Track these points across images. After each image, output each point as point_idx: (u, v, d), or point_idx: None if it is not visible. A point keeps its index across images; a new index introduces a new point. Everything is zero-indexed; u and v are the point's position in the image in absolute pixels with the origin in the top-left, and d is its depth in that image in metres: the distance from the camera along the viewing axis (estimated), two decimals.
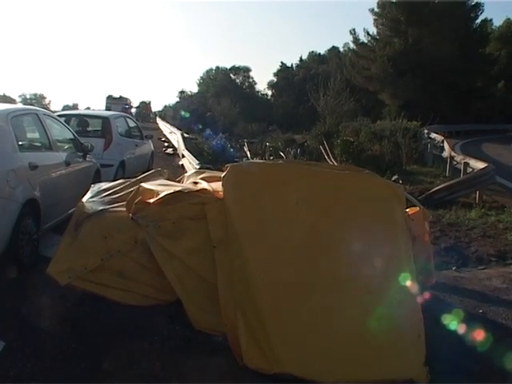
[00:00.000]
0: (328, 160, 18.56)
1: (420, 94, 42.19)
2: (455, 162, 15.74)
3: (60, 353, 4.23)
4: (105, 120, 12.60)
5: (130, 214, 4.96)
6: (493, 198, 12.70)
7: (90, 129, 12.72)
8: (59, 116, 11.92)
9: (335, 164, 17.41)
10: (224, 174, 4.70)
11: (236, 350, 4.14)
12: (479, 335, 4.90)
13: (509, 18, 56.96)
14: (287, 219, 4.43)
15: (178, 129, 30.53)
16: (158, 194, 4.85)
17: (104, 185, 6.51)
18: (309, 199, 4.49)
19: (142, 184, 5.34)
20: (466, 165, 14.18)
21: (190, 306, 4.68)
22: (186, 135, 23.27)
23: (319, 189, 4.51)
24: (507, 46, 53.40)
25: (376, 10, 47.81)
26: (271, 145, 22.67)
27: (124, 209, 5.16)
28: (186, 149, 16.67)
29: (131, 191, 5.34)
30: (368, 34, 48.95)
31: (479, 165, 13.19)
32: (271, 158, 20.23)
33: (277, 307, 4.13)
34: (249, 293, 4.23)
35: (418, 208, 5.70)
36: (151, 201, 4.84)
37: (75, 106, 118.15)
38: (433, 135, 21.89)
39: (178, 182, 6.45)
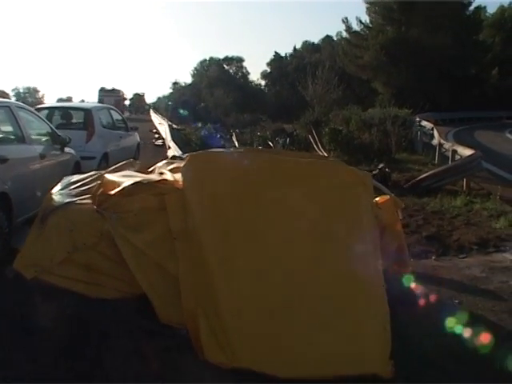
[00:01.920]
0: (316, 149, 18.42)
1: (413, 82, 41.98)
2: (444, 150, 15.59)
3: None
4: (87, 112, 12.38)
5: (95, 207, 4.82)
6: (480, 185, 12.57)
7: (74, 121, 12.55)
8: (41, 109, 11.88)
9: (323, 153, 17.29)
10: (184, 163, 4.55)
11: (197, 345, 3.99)
12: (454, 328, 4.78)
13: (502, 5, 56.70)
14: (247, 209, 4.28)
15: (169, 120, 30.37)
16: (120, 186, 4.69)
17: (75, 177, 6.35)
18: (270, 188, 4.34)
19: (106, 175, 5.20)
20: (454, 152, 14.04)
21: (155, 300, 4.53)
22: (174, 126, 23.07)
23: (281, 177, 4.36)
24: (501, 33, 53.11)
25: None
26: (259, 135, 22.46)
27: (90, 201, 5.02)
28: (173, 140, 16.45)
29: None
30: (360, 22, 48.65)
31: (467, 152, 13.06)
32: (259, 147, 20.08)
33: (235, 301, 3.98)
34: (208, 286, 4.09)
35: (388, 196, 5.55)
36: (112, 192, 4.69)
37: (69, 99, 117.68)
38: (423, 123, 21.69)
39: (149, 172, 6.29)
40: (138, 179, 4.85)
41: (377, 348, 3.86)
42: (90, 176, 6.18)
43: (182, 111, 47.79)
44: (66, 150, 10.58)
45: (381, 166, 13.05)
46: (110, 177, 5.09)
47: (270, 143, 19.96)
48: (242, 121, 40.88)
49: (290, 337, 3.84)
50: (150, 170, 6.59)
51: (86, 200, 5.17)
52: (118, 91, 57.54)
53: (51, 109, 13.04)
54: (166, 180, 4.85)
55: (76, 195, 5.46)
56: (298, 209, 4.29)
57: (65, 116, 12.20)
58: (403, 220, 8.73)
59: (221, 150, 4.64)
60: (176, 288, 4.32)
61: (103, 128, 12.39)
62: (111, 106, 15.54)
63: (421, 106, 22.58)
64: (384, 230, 5.16)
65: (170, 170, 5.60)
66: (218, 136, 23.87)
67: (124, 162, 7.06)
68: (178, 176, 4.85)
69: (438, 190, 11.48)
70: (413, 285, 5.92)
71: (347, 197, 4.41)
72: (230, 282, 4.07)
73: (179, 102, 46.33)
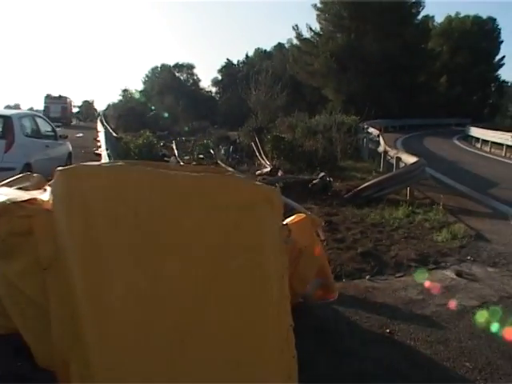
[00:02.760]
0: (259, 157, 17.70)
1: (364, 89, 41.97)
2: (389, 157, 15.04)
3: None
4: (6, 119, 11.32)
5: None
6: (425, 194, 12.05)
7: None
8: None
9: (265, 161, 16.57)
10: (53, 179, 3.71)
11: None
12: (380, 367, 4.09)
13: (450, 15, 57.63)
14: (123, 232, 3.47)
15: (113, 129, 29.24)
16: None
17: None
18: (151, 208, 3.52)
19: None
20: (398, 159, 13.49)
21: (30, 339, 3.71)
22: (114, 134, 22.07)
23: (165, 196, 3.55)
24: (449, 42, 54.00)
25: (319, 5, 47.43)
26: (199, 143, 21.61)
27: None
28: (106, 148, 15.50)
29: None
30: (311, 29, 48.58)
31: (411, 159, 12.49)
32: (200, 156, 19.29)
33: (107, 351, 3.21)
34: (76, 324, 3.33)
35: (303, 215, 4.82)
36: None
37: (17, 106, 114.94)
38: (370, 129, 21.24)
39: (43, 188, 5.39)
40: (2, 198, 3.97)
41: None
42: None
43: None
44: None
45: (321, 174, 12.40)
46: None
47: (211, 151, 19.15)
48: (190, 128, 39.97)
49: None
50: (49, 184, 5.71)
51: None
52: (65, 98, 55.84)
53: None
54: (35, 199, 3.99)
55: None
56: (185, 235, 3.49)
57: None
58: (339, 234, 8.14)
59: (97, 163, 3.72)
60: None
61: (25, 137, 11.41)
62: (37, 113, 14.57)
63: (366, 113, 22.04)
64: (299, 255, 4.43)
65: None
66: (161, 144, 22.98)
67: (19, 176, 6.17)
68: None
69: (381, 199, 10.86)
70: (340, 311, 5.26)
71: (247, 218, 3.62)
72: (100, 325, 3.29)
73: (125, 110, 44.89)
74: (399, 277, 6.41)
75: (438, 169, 16.71)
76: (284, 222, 4.27)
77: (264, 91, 25.56)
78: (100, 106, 77.08)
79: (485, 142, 26.76)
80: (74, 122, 59.04)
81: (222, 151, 19.07)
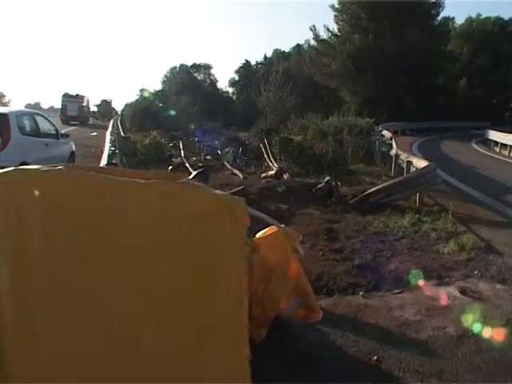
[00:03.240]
0: (267, 159, 17.15)
1: (381, 91, 41.17)
2: (400, 161, 14.39)
3: None
4: (2, 117, 11.03)
5: None
6: (435, 201, 11.40)
7: None
8: None
9: (273, 163, 16.01)
10: None
11: None
12: None
13: (470, 16, 56.53)
14: (57, 245, 3.00)
15: (126, 129, 28.90)
16: None
17: None
18: (89, 218, 3.03)
19: None
20: (409, 163, 12.84)
21: None
22: (122, 134, 21.71)
23: (106, 205, 3.05)
24: (469, 44, 52.91)
25: (336, 6, 46.71)
26: (207, 143, 21.14)
27: None
28: (110, 148, 15.11)
29: None
30: (328, 30, 47.76)
31: (422, 164, 11.84)
32: (207, 157, 18.80)
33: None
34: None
35: (276, 229, 4.29)
36: None
37: (37, 105, 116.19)
38: (384, 132, 20.57)
39: None
40: None
41: None
42: None
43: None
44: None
45: (327, 178, 11.83)
46: None
47: (218, 152, 18.65)
48: (196, 128, 39.50)
49: None
50: None
51: None
52: (82, 97, 55.91)
53: None
54: None
55: None
56: (128, 246, 3.01)
57: None
58: (338, 243, 7.57)
59: (36, 166, 3.22)
60: None
61: (23, 135, 11.13)
62: (37, 111, 14.22)
63: (379, 115, 21.38)
64: (270, 273, 3.91)
65: None
66: (171, 144, 22.57)
67: None
68: None
69: (388, 206, 10.24)
70: (326, 333, 4.72)
71: (202, 231, 3.12)
72: (25, 343, 2.95)
73: (139, 109, 44.65)
74: (397, 293, 5.84)
75: (453, 173, 16.06)
76: (252, 237, 3.75)
77: (274, 92, 24.98)
78: (118, 106, 77.02)
79: (504, 146, 25.89)
80: (92, 120, 59.06)
81: (230, 152, 18.53)
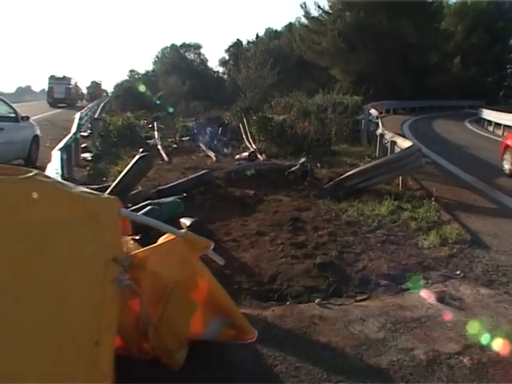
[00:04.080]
0: (245, 140, 16.09)
1: (373, 70, 39.92)
2: (385, 141, 13.35)
3: None
4: None
5: None
6: (421, 184, 10.40)
7: None
8: None
9: (252, 145, 14.96)
10: None
11: None
12: None
13: None
14: None
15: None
16: None
17: None
18: None
19: None
20: (393, 144, 11.79)
21: None
22: (96, 115, 20.65)
23: None
24: (463, 22, 51.43)
25: None
26: (183, 124, 19.99)
27: None
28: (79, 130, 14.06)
29: None
30: (319, 7, 46.34)
31: (407, 144, 10.79)
32: (182, 138, 17.72)
33: None
34: None
35: (172, 237, 3.28)
36: None
37: (28, 88, 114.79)
38: (371, 111, 19.45)
39: None
40: None
41: None
42: None
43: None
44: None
45: (302, 160, 10.80)
46: None
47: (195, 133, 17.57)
48: (191, 109, 38.31)
49: None
50: None
51: None
52: (69, 78, 54.90)
53: None
54: None
55: None
56: None
57: None
58: (302, 236, 6.57)
59: None
60: None
61: None
62: None
63: (371, 93, 20.31)
64: (166, 295, 2.91)
65: None
66: (150, 126, 21.48)
67: None
68: None
69: (366, 191, 9.24)
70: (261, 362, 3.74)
71: (50, 247, 2.12)
72: None
73: (122, 90, 43.38)
74: (360, 300, 4.84)
75: (443, 154, 15.07)
76: (135, 249, 2.76)
77: (253, 69, 23.72)
78: (109, 87, 75.73)
79: (498, 125, 24.82)
80: (80, 102, 57.90)
81: (208, 132, 17.44)
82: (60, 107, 44.81)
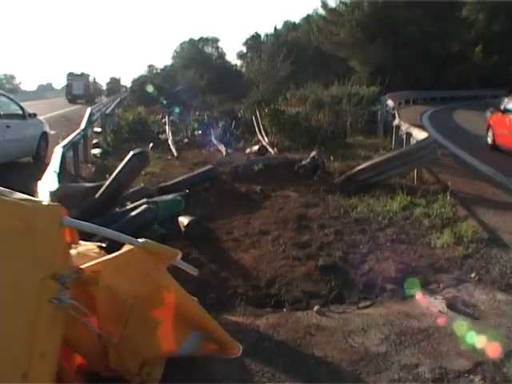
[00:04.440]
0: (258, 133, 15.67)
1: (392, 60, 39.22)
2: (401, 133, 12.83)
3: None
4: None
5: None
6: (437, 178, 9.91)
7: None
8: None
9: (264, 138, 14.55)
10: None
11: None
12: None
13: None
14: None
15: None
16: None
17: None
18: None
19: None
20: (409, 135, 11.29)
21: None
22: (108, 111, 20.41)
23: None
24: (484, 9, 50.21)
25: None
26: (194, 118, 19.60)
27: None
28: (86, 127, 13.75)
29: None
30: None
31: (423, 136, 10.28)
32: (195, 132, 17.35)
33: None
34: None
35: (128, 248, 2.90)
36: None
37: (49, 85, 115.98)
38: (388, 102, 18.89)
39: None
40: None
41: None
42: None
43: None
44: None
45: (313, 153, 10.37)
46: None
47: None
48: (208, 103, 37.90)
49: None
50: None
51: None
52: (87, 75, 55.61)
53: None
54: None
55: None
56: None
57: None
58: (307, 235, 6.18)
59: None
60: None
61: None
62: None
63: (378, 83, 19.76)
64: (125, 312, 2.54)
65: None
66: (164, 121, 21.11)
67: None
68: None
69: (379, 185, 8.79)
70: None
71: None
72: None
73: (138, 84, 43.25)
74: (364, 307, 4.43)
75: (462, 145, 14.53)
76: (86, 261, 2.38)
77: (266, 60, 23.16)
78: (128, 83, 76.20)
79: None
80: (99, 98, 58.04)
81: (220, 126, 17.03)
82: (79, 103, 44.94)
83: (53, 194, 6.40)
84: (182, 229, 6.33)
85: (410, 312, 4.25)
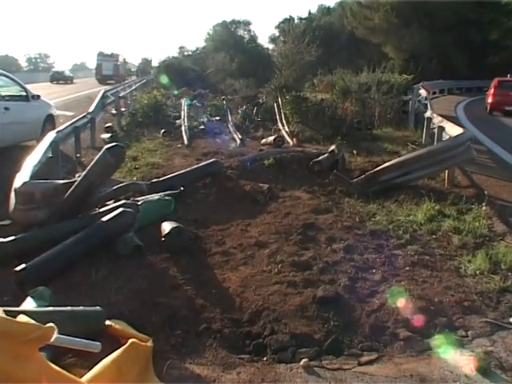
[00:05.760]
0: (279, 122, 14.61)
1: (428, 47, 37.64)
2: (433, 126, 11.61)
3: None
4: None
5: None
6: (472, 180, 8.77)
7: None
8: None
9: (284, 126, 13.51)
10: None
11: None
12: None
13: None
14: None
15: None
16: None
17: None
18: None
19: None
20: (441, 130, 10.10)
21: None
22: (122, 94, 19.60)
23: None
24: None
25: None
26: (211, 103, 18.61)
27: None
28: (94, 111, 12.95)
29: None
30: None
31: (456, 131, 9.09)
32: (212, 118, 16.37)
33: None
34: None
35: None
36: None
37: (83, 64, 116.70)
38: (421, 91, 17.58)
39: None
40: None
41: None
42: None
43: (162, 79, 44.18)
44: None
45: (332, 147, 9.30)
46: None
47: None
48: (235, 87, 36.88)
49: None
50: None
51: None
52: (117, 55, 55.49)
53: None
54: None
55: None
56: None
57: None
58: (310, 250, 5.16)
59: None
60: None
61: None
62: None
63: (411, 71, 18.50)
64: None
65: None
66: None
67: None
68: None
69: (405, 187, 7.70)
70: None
71: None
72: None
73: (164, 67, 42.39)
74: (367, 363, 3.38)
75: (499, 140, 13.20)
76: None
77: (290, 43, 21.92)
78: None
79: None
80: (129, 79, 57.52)
81: (240, 113, 16.03)
82: (108, 84, 44.31)
83: (15, 191, 5.56)
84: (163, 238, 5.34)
85: (427, 375, 3.20)
